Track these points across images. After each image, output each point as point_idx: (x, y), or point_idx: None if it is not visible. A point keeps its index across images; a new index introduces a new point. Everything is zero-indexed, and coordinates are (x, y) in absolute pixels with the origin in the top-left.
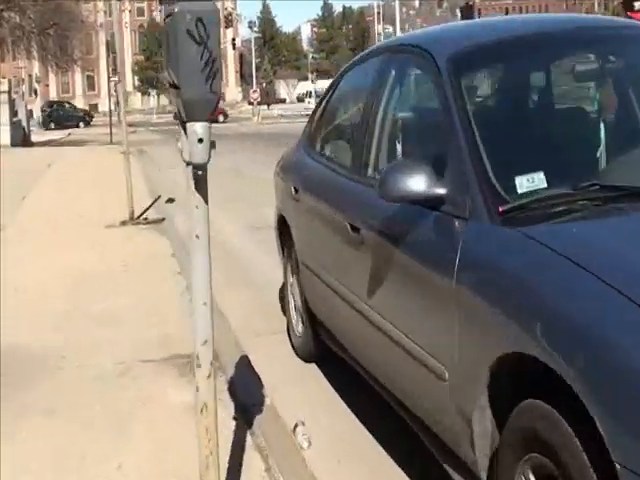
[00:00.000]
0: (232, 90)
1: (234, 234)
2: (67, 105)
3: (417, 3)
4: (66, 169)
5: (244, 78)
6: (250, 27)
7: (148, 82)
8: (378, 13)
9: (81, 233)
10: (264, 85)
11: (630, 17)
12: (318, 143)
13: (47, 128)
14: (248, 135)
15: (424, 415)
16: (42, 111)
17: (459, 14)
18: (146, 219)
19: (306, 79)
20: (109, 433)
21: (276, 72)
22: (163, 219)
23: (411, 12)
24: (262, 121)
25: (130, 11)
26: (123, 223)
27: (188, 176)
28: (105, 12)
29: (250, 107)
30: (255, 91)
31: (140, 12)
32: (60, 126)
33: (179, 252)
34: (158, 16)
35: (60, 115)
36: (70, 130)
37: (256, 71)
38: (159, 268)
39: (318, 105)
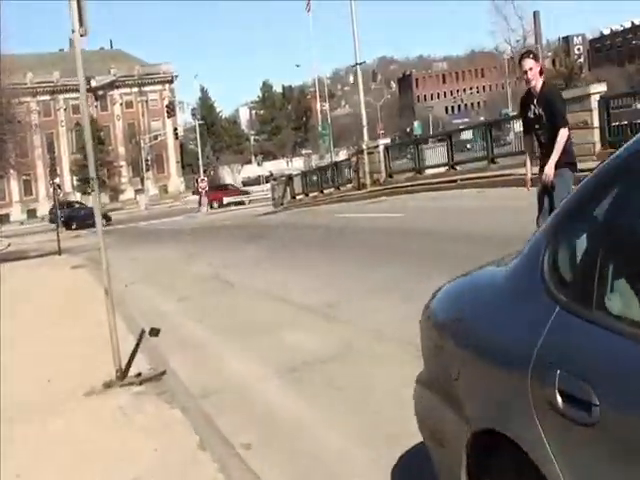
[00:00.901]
0: (174, 181)
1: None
2: None
3: (351, 79)
4: (12, 298)
5: (184, 168)
6: (194, 114)
7: (87, 181)
8: (313, 91)
9: (50, 422)
10: (211, 173)
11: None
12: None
13: None
14: (208, 228)
15: None
16: None
17: (394, 86)
18: (139, 375)
19: (250, 162)
20: None
21: (219, 158)
22: (163, 372)
23: (346, 88)
24: (211, 211)
25: (65, 109)
26: (108, 385)
27: None
28: (39, 112)
29: (195, 197)
30: (203, 180)
31: (75, 109)
32: None
33: (216, 447)
34: (95, 112)
35: None
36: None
37: (200, 159)
38: None
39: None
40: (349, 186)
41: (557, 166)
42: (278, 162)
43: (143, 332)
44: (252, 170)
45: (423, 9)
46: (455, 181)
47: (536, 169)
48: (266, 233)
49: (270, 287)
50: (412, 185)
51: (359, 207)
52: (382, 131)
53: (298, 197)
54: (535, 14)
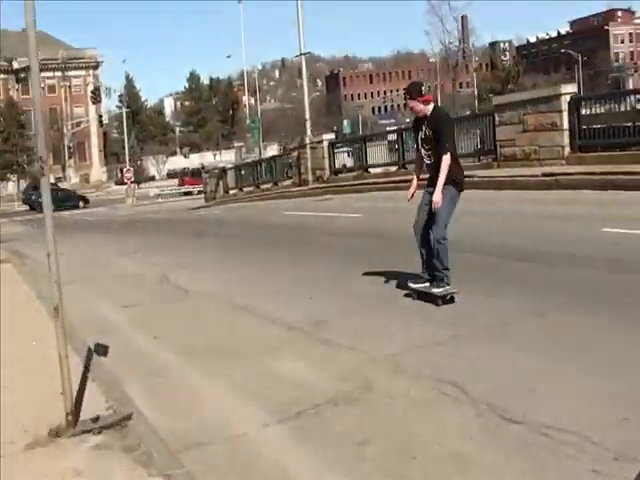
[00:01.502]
0: (97, 170)
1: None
2: None
3: (277, 74)
4: None
5: (107, 157)
6: (121, 101)
7: (7, 167)
8: (240, 83)
9: None
10: (138, 163)
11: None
12: None
13: None
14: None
15: None
16: None
17: (320, 83)
18: (97, 419)
19: (175, 154)
20: None
21: (143, 148)
22: (129, 417)
23: (272, 83)
24: (137, 202)
25: None
26: (56, 433)
27: None
28: None
29: (119, 187)
30: (129, 170)
31: None
32: None
33: None
34: (15, 94)
35: None
36: None
37: (124, 149)
38: None
39: None
40: (288, 182)
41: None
42: (204, 154)
43: (91, 352)
44: (177, 162)
45: (351, 9)
46: (407, 181)
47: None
48: (210, 230)
49: (233, 295)
50: (360, 184)
51: (306, 204)
52: (310, 128)
53: (232, 192)
54: (463, 18)
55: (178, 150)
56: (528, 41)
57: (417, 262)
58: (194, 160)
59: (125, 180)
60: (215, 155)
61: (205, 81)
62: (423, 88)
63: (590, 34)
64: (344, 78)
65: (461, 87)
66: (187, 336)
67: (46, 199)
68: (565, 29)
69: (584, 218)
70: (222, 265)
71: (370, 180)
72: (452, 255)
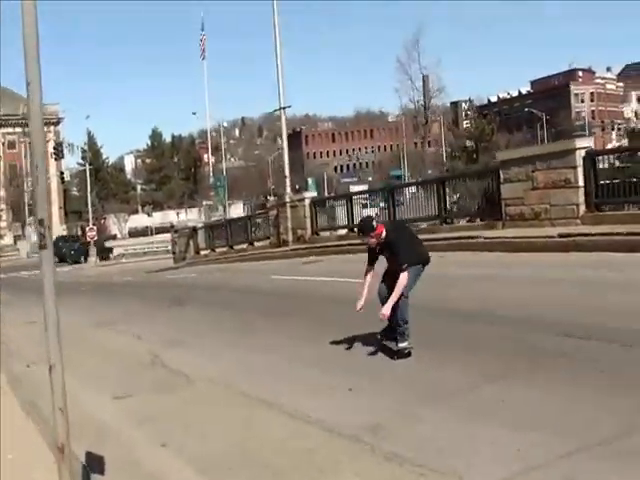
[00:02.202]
0: (57, 228)
1: None
2: None
3: (237, 132)
4: None
5: (67, 215)
6: (84, 158)
7: None
8: (202, 143)
9: None
10: (102, 222)
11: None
12: None
13: None
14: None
15: None
16: None
17: (280, 142)
18: None
19: (137, 212)
20: None
21: (104, 206)
22: None
23: (232, 142)
24: (100, 262)
25: None
26: None
27: None
28: None
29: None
30: (92, 229)
31: None
32: None
33: None
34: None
35: None
36: None
37: (86, 206)
38: None
39: None
40: (265, 242)
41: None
42: (167, 213)
43: (87, 472)
44: (139, 220)
45: (312, 69)
46: None
47: None
48: (192, 297)
49: (243, 381)
50: (349, 244)
51: (293, 267)
52: (273, 186)
53: (203, 252)
54: (424, 78)
55: (140, 208)
56: (489, 100)
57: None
58: (157, 219)
59: (88, 239)
60: (178, 214)
61: (167, 139)
62: (374, 223)
63: (551, 93)
64: (306, 136)
65: (429, 146)
66: (202, 443)
67: (48, 282)
68: (526, 89)
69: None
70: (219, 341)
71: (359, 240)
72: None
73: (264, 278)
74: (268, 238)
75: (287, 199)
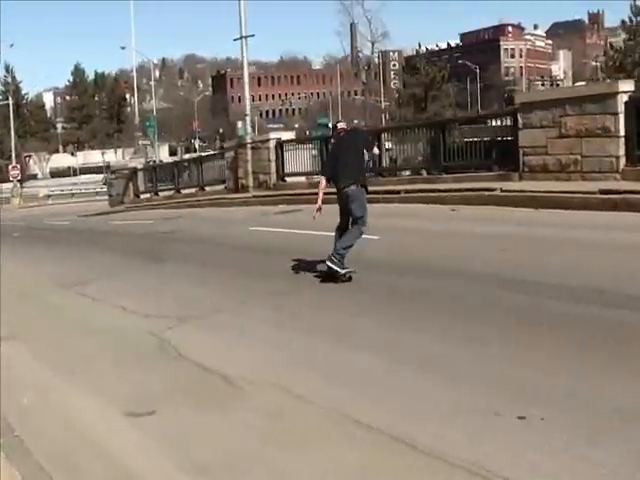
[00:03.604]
0: None
1: None
2: None
3: (157, 73)
4: None
5: None
6: (5, 92)
7: None
8: (126, 81)
9: None
10: (27, 160)
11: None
12: None
13: None
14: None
15: None
16: None
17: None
18: None
19: (57, 152)
20: None
21: (23, 145)
22: None
23: (152, 83)
24: (24, 204)
25: None
26: None
27: None
28: None
29: (3, 185)
30: (15, 167)
31: None
32: None
33: None
34: None
35: None
36: None
37: (12, 144)
38: None
39: None
40: (219, 187)
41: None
42: (90, 153)
43: None
44: (61, 160)
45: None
46: (398, 192)
47: None
48: (162, 249)
49: (334, 388)
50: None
51: (266, 217)
52: (199, 129)
53: (143, 196)
54: (352, 26)
55: (61, 148)
56: (417, 52)
57: None
58: (80, 159)
59: (11, 178)
60: (104, 154)
61: (91, 76)
62: None
63: (481, 47)
64: (231, 79)
65: (356, 95)
66: None
67: None
68: (455, 42)
69: None
70: (240, 315)
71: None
72: None
73: (242, 229)
74: (223, 182)
75: (248, 140)
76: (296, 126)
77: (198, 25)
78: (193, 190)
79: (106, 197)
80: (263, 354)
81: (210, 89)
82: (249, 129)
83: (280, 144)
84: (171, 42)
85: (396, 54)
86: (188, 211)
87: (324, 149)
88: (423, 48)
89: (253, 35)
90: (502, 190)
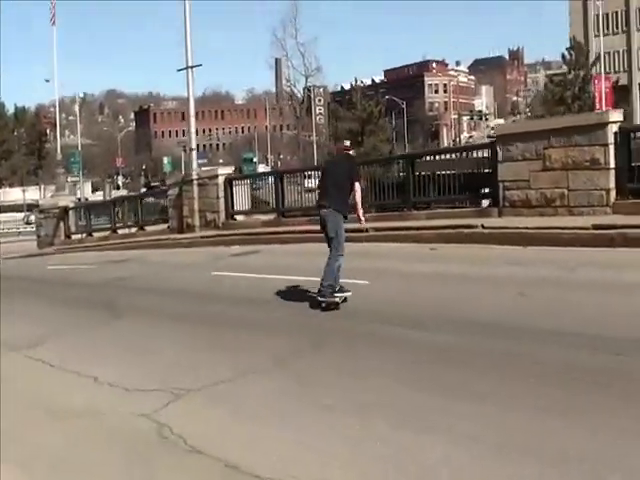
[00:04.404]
0: None
1: None
2: None
3: (76, 108)
4: None
5: None
6: None
7: None
8: (46, 116)
9: None
10: None
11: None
12: None
13: None
14: None
15: None
16: None
17: (123, 120)
18: None
19: None
20: None
21: None
22: None
23: (70, 118)
24: None
25: None
26: None
27: None
28: None
29: None
30: None
31: None
32: None
33: None
34: None
35: None
36: None
37: None
38: None
39: None
40: (161, 227)
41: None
42: (7, 191)
43: None
44: None
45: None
46: (366, 230)
47: None
48: (117, 299)
49: None
50: (285, 232)
51: (223, 260)
52: (122, 165)
53: (75, 237)
54: (277, 61)
55: None
56: (342, 88)
57: None
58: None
59: None
60: (24, 191)
61: (11, 110)
62: None
63: (405, 83)
64: (154, 114)
65: (281, 129)
66: None
67: None
68: (380, 78)
69: None
70: (244, 382)
71: (295, 228)
72: None
73: (203, 274)
74: (166, 221)
75: (194, 175)
76: (220, 161)
77: (119, 60)
78: (132, 230)
79: (31, 237)
80: (299, 443)
81: (132, 124)
82: (195, 164)
83: (229, 180)
84: (91, 77)
85: (322, 90)
86: (131, 254)
87: (279, 185)
88: (348, 84)
89: (200, 65)
90: (484, 227)
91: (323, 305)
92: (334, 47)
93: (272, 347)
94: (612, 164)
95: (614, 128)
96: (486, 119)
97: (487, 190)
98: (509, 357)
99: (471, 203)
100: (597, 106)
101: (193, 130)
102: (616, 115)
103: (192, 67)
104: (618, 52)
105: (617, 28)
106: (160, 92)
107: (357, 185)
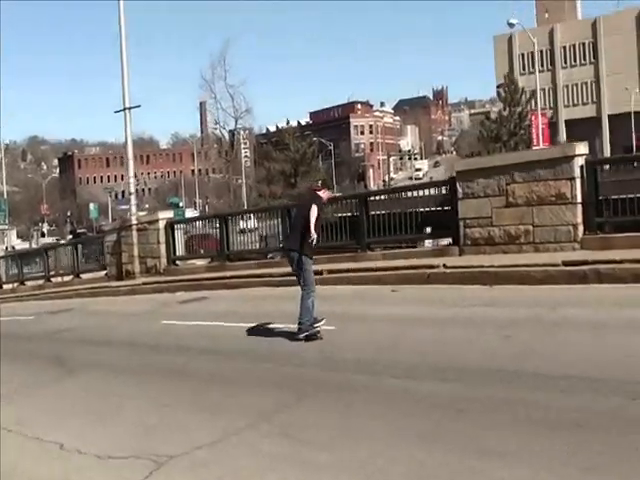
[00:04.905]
0: None
1: None
2: None
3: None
4: None
5: None
6: None
7: None
8: None
9: None
10: None
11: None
12: None
13: None
14: None
15: None
16: None
17: (46, 167)
18: None
19: None
20: None
21: None
22: None
23: None
24: None
25: None
26: None
27: None
28: None
29: None
30: None
31: None
32: None
33: None
34: None
35: None
36: None
37: None
38: None
39: None
40: (99, 274)
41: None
42: None
43: None
44: None
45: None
46: (320, 273)
47: None
48: (63, 353)
49: None
50: (233, 277)
51: (172, 308)
52: (47, 212)
53: (6, 286)
54: (201, 104)
55: None
56: (268, 130)
57: None
58: None
59: None
60: None
61: None
62: None
63: (331, 125)
64: (78, 160)
65: (214, 172)
66: None
67: None
68: (305, 120)
69: None
70: (232, 446)
71: (242, 272)
72: None
73: (152, 324)
74: (103, 269)
75: (133, 220)
76: (147, 206)
77: (41, 107)
78: (68, 278)
79: None
80: None
81: (55, 170)
82: (134, 209)
83: (171, 224)
84: (12, 124)
85: (247, 132)
86: (71, 303)
87: (224, 227)
88: (273, 126)
89: (139, 106)
90: (446, 266)
91: (302, 337)
92: (257, 91)
93: (249, 403)
94: (579, 198)
95: (580, 161)
96: (415, 159)
97: (446, 228)
98: (511, 405)
99: (433, 242)
100: (535, 142)
101: (132, 174)
102: (582, 148)
103: (130, 108)
104: (544, 89)
105: (542, 66)
106: (83, 138)
107: (313, 207)
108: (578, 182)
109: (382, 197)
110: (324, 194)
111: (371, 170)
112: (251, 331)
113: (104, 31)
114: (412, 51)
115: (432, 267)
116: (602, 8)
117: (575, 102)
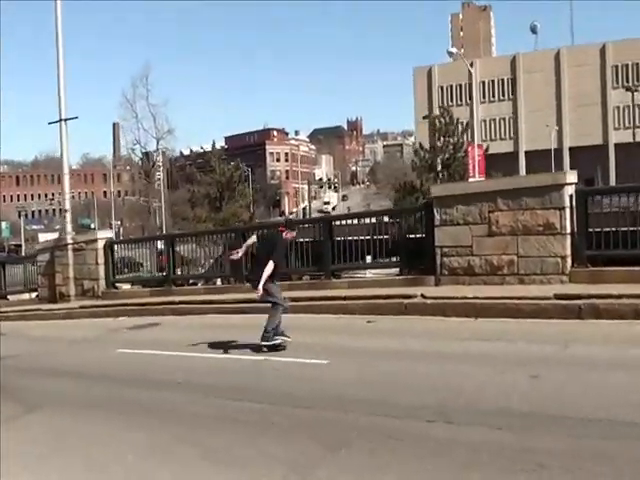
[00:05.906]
0: None
1: None
2: None
3: None
4: None
5: None
6: None
7: None
8: None
9: None
10: None
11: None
12: None
13: None
14: None
15: None
16: None
17: None
18: None
19: None
20: None
21: None
22: None
23: None
24: None
25: None
26: None
27: None
28: None
29: None
30: None
31: None
32: None
33: None
34: None
35: None
36: None
37: None
38: None
39: None
40: (29, 296)
41: None
42: None
43: None
44: None
45: None
46: (250, 301)
47: None
48: (14, 386)
49: None
50: (180, 303)
51: (121, 335)
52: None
53: None
54: (115, 126)
55: None
56: (181, 153)
57: None
58: None
59: None
60: None
61: None
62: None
63: (247, 150)
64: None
65: (126, 194)
66: None
67: None
68: (220, 144)
69: None
70: None
71: (193, 298)
72: None
73: (104, 352)
74: (34, 290)
75: (69, 240)
76: (57, 227)
77: None
78: None
79: None
80: None
81: None
82: (69, 227)
83: (110, 244)
84: None
85: (162, 154)
86: (2, 327)
87: (170, 250)
88: (188, 150)
89: (76, 117)
90: (424, 296)
91: (265, 349)
92: (179, 113)
93: (241, 449)
94: (568, 229)
95: (570, 190)
96: (335, 187)
97: (422, 256)
98: (554, 457)
99: (406, 271)
100: (471, 173)
101: (67, 190)
102: (572, 176)
103: (66, 120)
104: (462, 123)
105: (461, 100)
106: None
107: (270, 262)
108: (568, 212)
109: (347, 222)
110: (287, 235)
111: (286, 197)
112: (214, 362)
113: None
114: (327, 81)
115: (409, 297)
116: (516, 45)
117: (493, 137)
